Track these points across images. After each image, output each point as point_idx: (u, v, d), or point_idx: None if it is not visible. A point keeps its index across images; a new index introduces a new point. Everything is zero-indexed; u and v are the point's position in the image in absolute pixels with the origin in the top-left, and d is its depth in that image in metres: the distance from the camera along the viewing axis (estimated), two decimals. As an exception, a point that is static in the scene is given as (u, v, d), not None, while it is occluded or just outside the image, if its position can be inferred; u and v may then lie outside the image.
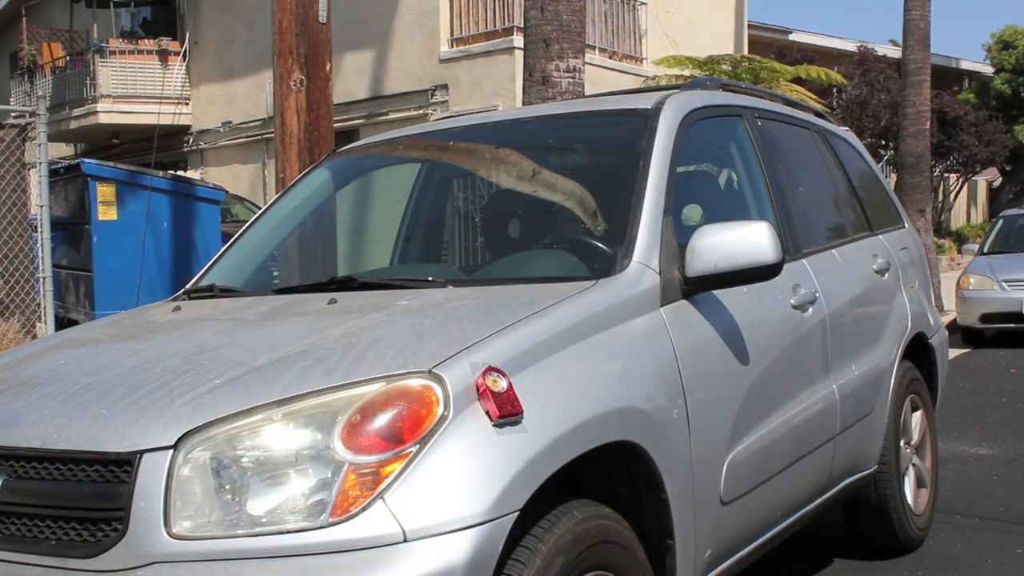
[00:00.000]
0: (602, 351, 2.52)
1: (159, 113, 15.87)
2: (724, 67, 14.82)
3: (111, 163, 10.57)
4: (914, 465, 4.37)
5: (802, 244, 3.67)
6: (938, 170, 23.23)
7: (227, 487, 2.03)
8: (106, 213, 9.47)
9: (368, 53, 16.01)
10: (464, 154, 3.94)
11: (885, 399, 4.01)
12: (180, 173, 16.81)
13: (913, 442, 4.37)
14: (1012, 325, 11.30)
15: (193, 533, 2.01)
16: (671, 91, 3.49)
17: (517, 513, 2.09)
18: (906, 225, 4.93)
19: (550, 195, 3.44)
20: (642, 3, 16.55)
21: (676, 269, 2.84)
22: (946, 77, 25.25)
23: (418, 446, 2.04)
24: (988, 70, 26.68)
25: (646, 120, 3.20)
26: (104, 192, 9.46)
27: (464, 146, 3.94)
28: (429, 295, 2.79)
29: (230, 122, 18.82)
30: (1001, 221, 13.70)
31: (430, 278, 3.02)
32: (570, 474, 2.29)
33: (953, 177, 25.42)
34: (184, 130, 19.60)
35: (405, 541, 1.97)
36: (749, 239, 2.81)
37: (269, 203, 3.98)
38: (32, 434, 2.21)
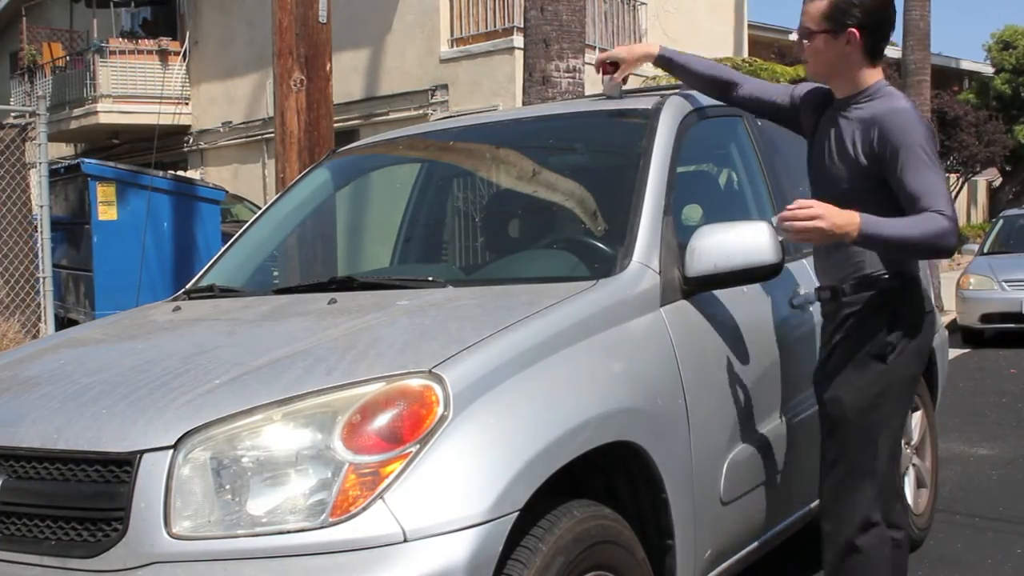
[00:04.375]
0: (602, 351, 2.52)
1: (159, 113, 15.85)
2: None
3: (111, 163, 10.58)
4: (914, 465, 4.36)
5: (802, 244, 3.66)
6: (938, 170, 23.18)
7: (227, 487, 2.03)
8: (106, 213, 9.48)
9: (368, 53, 16.01)
10: (464, 154, 3.94)
11: (885, 399, 3.99)
12: (180, 173, 16.79)
13: (913, 442, 4.36)
14: (1012, 325, 11.29)
15: (193, 533, 2.01)
16: (671, 91, 3.48)
17: (517, 513, 2.09)
18: (906, 225, 4.91)
19: (550, 195, 3.44)
20: (642, 3, 16.55)
21: (676, 269, 2.84)
22: (946, 77, 25.23)
23: (418, 446, 2.04)
24: (988, 70, 26.67)
25: (646, 120, 3.19)
26: (104, 192, 9.47)
27: (464, 146, 3.94)
28: (429, 295, 2.80)
29: (230, 122, 18.81)
30: (1001, 221, 13.70)
31: (430, 278, 3.02)
32: (570, 474, 2.29)
33: (953, 177, 25.40)
34: (184, 130, 19.58)
35: (405, 541, 1.97)
36: (749, 239, 2.80)
37: (269, 203, 3.97)
38: (32, 434, 2.21)
